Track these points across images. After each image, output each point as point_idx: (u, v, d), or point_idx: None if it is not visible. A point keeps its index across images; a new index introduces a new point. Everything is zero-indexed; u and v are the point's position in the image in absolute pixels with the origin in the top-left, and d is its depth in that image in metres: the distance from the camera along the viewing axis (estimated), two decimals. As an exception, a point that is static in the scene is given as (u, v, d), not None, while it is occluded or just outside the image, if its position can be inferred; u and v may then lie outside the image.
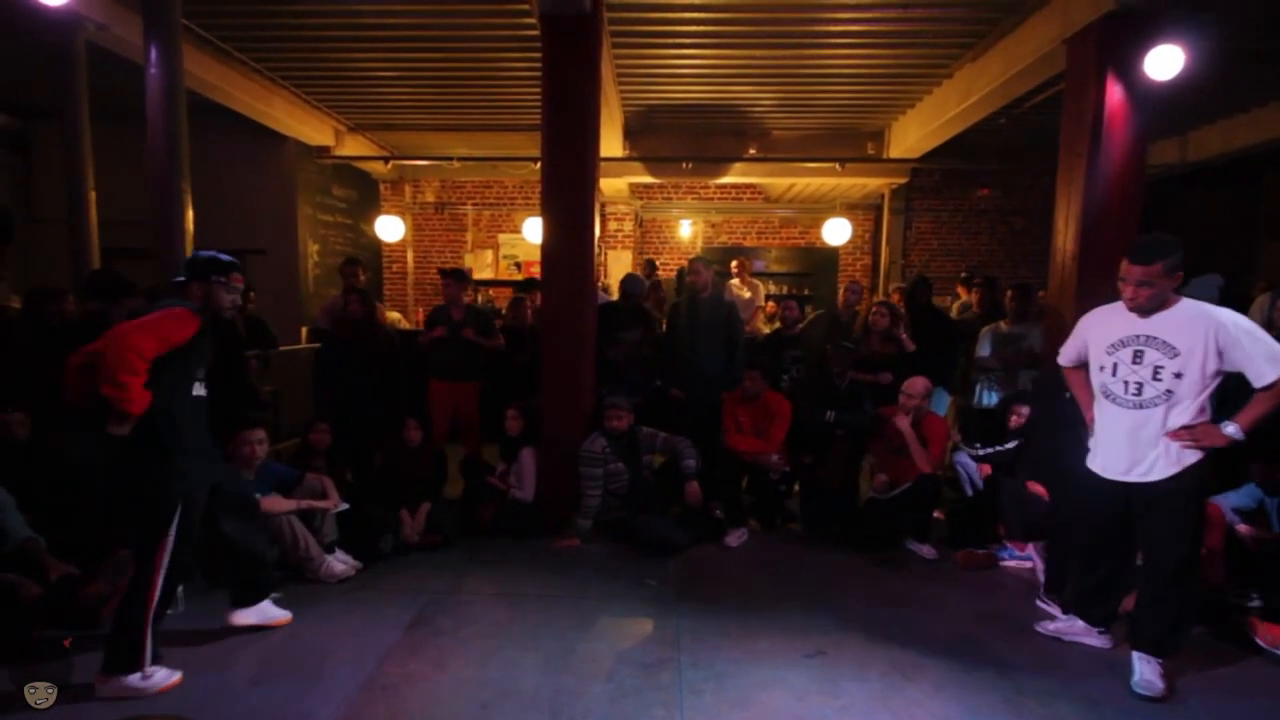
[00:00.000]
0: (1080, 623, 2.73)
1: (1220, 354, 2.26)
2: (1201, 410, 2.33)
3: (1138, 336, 2.39)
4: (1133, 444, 2.41)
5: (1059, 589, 2.99)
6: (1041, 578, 3.20)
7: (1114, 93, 3.75)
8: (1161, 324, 2.35)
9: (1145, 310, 2.36)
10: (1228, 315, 2.29)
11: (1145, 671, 2.40)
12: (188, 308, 2.38)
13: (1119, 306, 2.46)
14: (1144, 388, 2.37)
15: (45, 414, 3.30)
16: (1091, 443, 2.60)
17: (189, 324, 2.32)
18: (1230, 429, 2.29)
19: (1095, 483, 2.54)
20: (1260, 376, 2.22)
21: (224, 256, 2.50)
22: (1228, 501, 3.17)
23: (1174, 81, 3.70)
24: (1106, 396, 2.49)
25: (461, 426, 4.64)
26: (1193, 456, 2.33)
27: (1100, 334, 2.53)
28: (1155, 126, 5.10)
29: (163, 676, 2.33)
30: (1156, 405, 2.36)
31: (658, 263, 8.76)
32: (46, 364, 3.46)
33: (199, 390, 2.44)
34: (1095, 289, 3.83)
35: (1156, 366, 2.35)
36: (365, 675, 2.44)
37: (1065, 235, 4.00)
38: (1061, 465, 2.96)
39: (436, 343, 4.50)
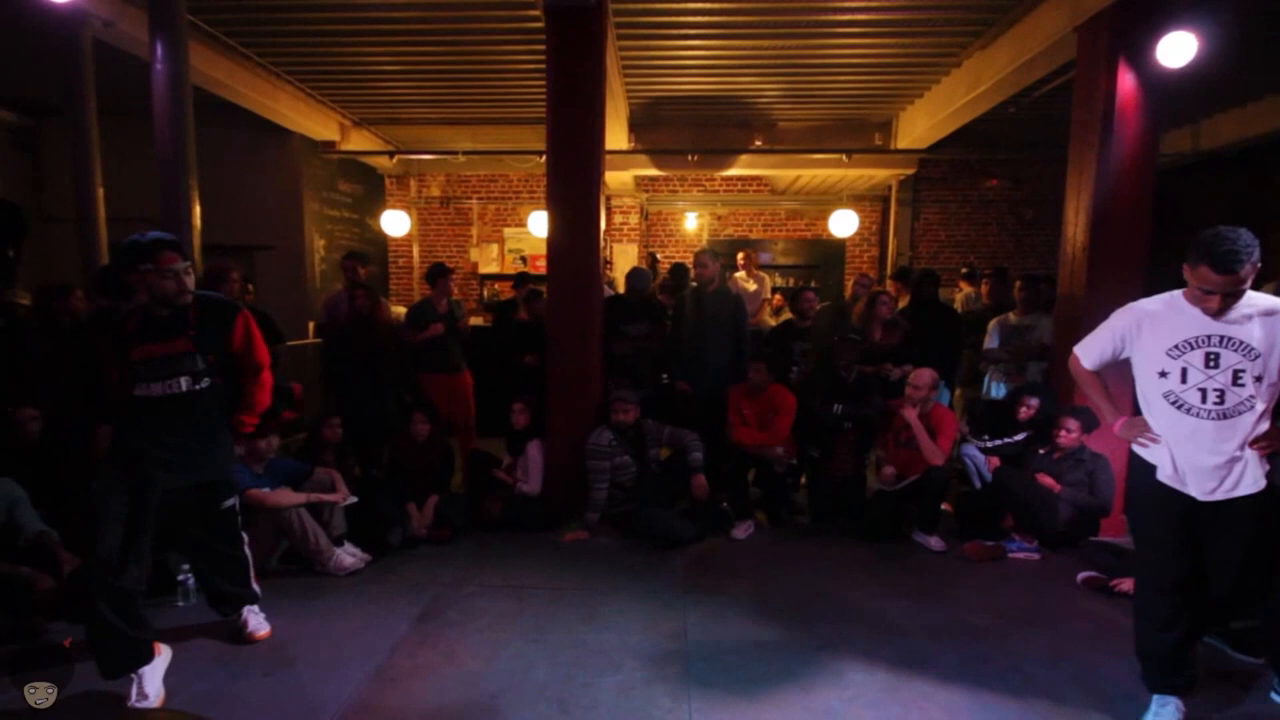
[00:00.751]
0: (1180, 701, 2.20)
1: None
2: (1269, 413, 2.11)
3: (1210, 337, 2.07)
4: (1220, 459, 2.10)
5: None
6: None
7: (1126, 81, 3.70)
8: (1234, 321, 2.06)
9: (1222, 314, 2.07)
10: None
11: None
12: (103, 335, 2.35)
13: (1174, 301, 2.16)
14: (1225, 395, 2.08)
15: (55, 410, 3.33)
16: (1154, 455, 2.22)
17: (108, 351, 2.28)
18: None
19: (1173, 499, 2.17)
20: None
21: (144, 238, 2.22)
22: None
23: (1187, 69, 3.64)
24: (1178, 407, 2.14)
25: (456, 419, 4.66)
26: (1265, 464, 2.10)
27: (1155, 334, 2.16)
28: (1167, 115, 5.02)
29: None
30: (1242, 414, 2.08)
31: (661, 255, 8.75)
32: (56, 361, 3.51)
33: (142, 390, 2.27)
34: (1106, 280, 3.81)
35: (1236, 370, 2.06)
36: (376, 666, 2.46)
37: (1075, 226, 3.97)
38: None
39: (430, 339, 4.51)
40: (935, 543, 3.67)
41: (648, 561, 3.46)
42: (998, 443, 3.99)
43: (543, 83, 3.87)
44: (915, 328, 4.47)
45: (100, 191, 4.41)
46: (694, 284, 4.52)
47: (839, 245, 8.52)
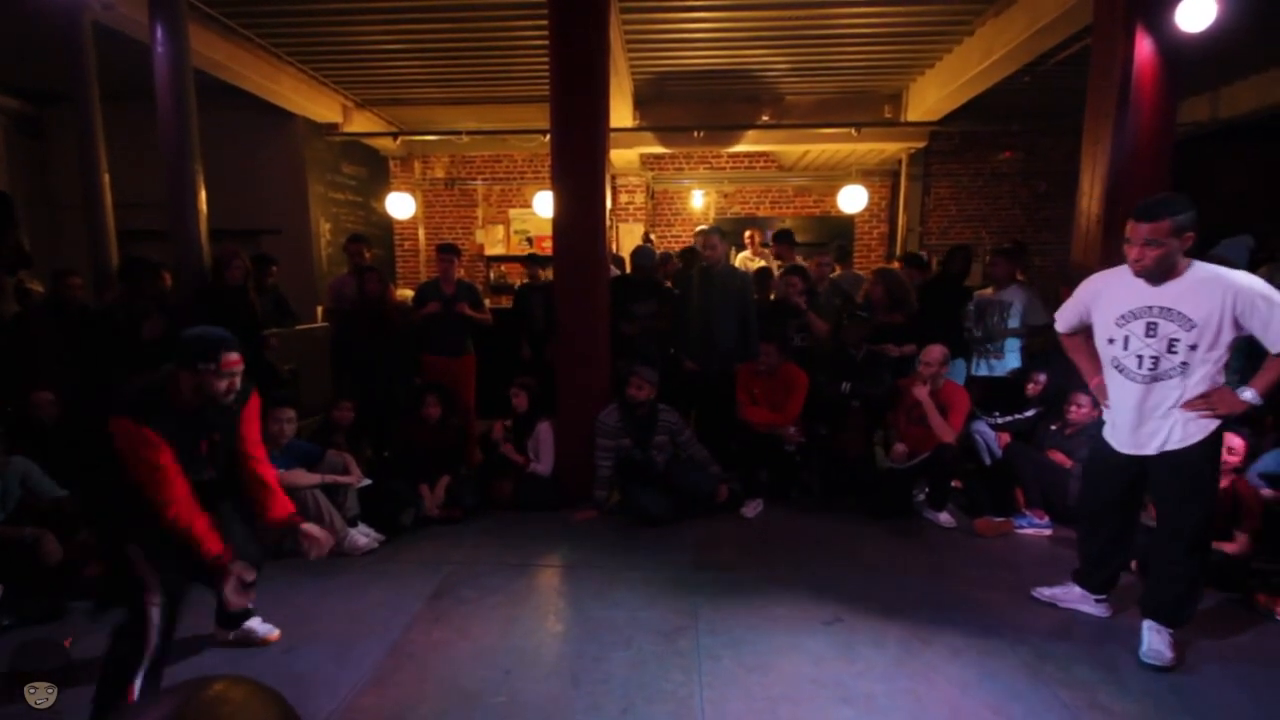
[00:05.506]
0: (1077, 589, 2.71)
1: (1237, 321, 2.16)
2: (1215, 377, 2.26)
3: (1150, 308, 2.27)
4: (1144, 417, 2.34)
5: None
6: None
7: (1143, 47, 3.60)
8: (1175, 293, 2.23)
9: (1153, 275, 2.23)
10: (1243, 279, 2.18)
11: (1154, 641, 2.36)
12: (149, 442, 1.92)
13: (1125, 273, 2.33)
14: (1159, 361, 2.28)
15: (71, 393, 3.38)
16: (1106, 414, 2.53)
17: (165, 460, 1.93)
18: (1248, 394, 2.22)
19: (1108, 453, 2.50)
20: (1276, 343, 2.13)
21: (213, 334, 2.03)
22: (1255, 469, 3.12)
23: (1206, 34, 3.53)
24: (1119, 370, 2.39)
25: (455, 400, 4.68)
26: (1210, 424, 2.25)
27: (1107, 304, 2.39)
28: (1186, 82, 4.89)
29: None
30: (1171, 378, 2.27)
31: (668, 234, 8.69)
32: (67, 344, 3.57)
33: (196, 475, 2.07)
34: (1121, 253, 3.74)
35: (1171, 339, 2.24)
36: (391, 643, 2.51)
37: (1090, 198, 3.89)
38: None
39: (430, 318, 4.51)
40: (945, 519, 3.67)
41: (658, 539, 3.48)
42: (1008, 419, 3.98)
43: (546, 60, 3.82)
44: (928, 305, 4.40)
45: (106, 177, 4.41)
46: (701, 263, 4.48)
47: (848, 221, 8.42)
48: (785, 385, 3.99)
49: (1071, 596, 2.72)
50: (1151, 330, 2.28)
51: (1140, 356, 2.31)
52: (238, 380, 2.08)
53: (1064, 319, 2.62)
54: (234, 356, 2.04)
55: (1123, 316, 2.34)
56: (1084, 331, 2.57)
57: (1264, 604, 2.72)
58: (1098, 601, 2.67)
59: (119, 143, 4.64)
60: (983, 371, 4.38)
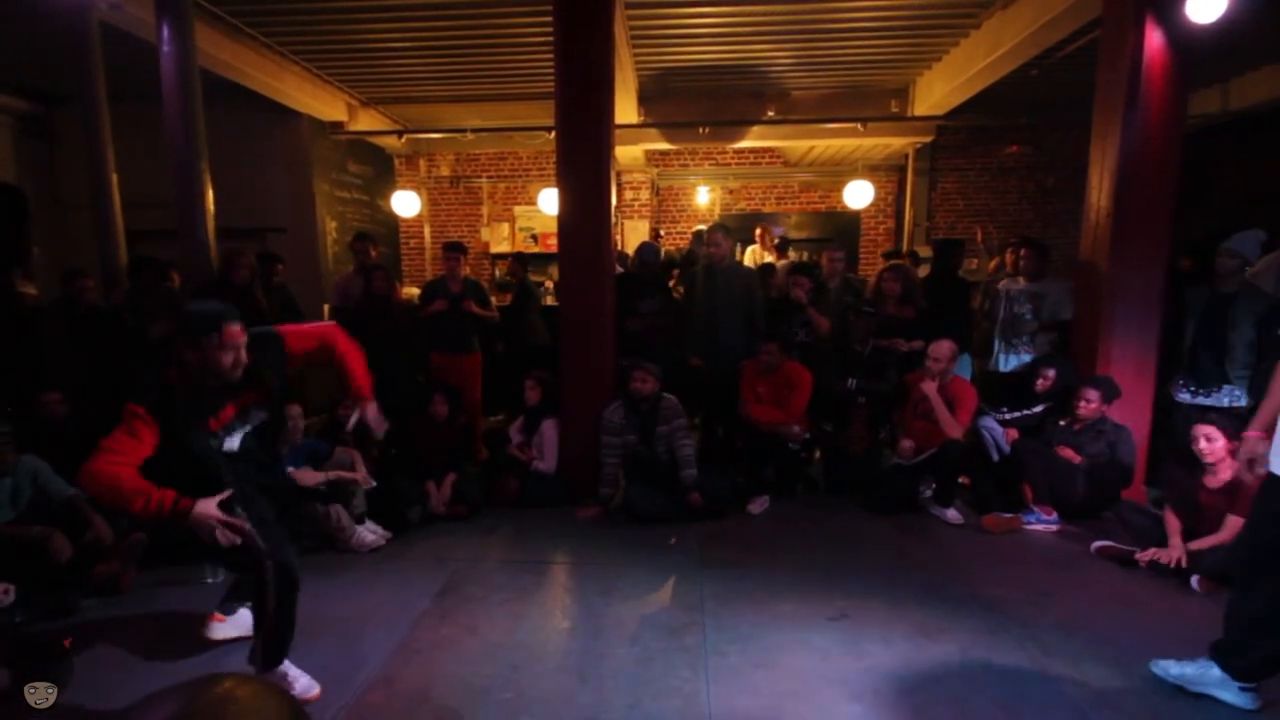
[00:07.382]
0: (1216, 670, 2.11)
1: None
2: None
3: None
4: None
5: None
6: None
7: (1153, 38, 3.56)
8: None
9: None
10: None
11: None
12: (137, 416, 1.89)
13: None
14: None
15: (80, 392, 3.41)
16: None
17: (144, 435, 1.88)
18: None
19: None
20: None
21: (210, 308, 1.99)
22: None
23: (1217, 24, 3.49)
24: None
25: (462, 398, 4.69)
26: None
27: None
28: (1196, 74, 4.84)
29: (304, 685, 2.22)
30: None
31: (674, 230, 8.67)
32: (76, 343, 3.59)
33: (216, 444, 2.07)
34: (1130, 247, 3.71)
35: None
36: (399, 640, 2.52)
37: (1099, 191, 3.86)
38: None
39: (437, 316, 4.53)
40: (952, 515, 3.65)
41: (664, 536, 3.48)
42: (1016, 415, 3.95)
43: (551, 57, 3.81)
44: (932, 300, 4.38)
45: (114, 177, 4.44)
46: (705, 260, 4.46)
47: (854, 217, 8.38)
48: (789, 383, 3.97)
49: (1208, 679, 2.12)
50: None
51: None
52: (243, 353, 1.99)
53: None
54: (236, 328, 1.96)
55: None
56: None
57: None
58: (1242, 690, 2.07)
59: (126, 142, 4.66)
60: (1012, 365, 4.26)
